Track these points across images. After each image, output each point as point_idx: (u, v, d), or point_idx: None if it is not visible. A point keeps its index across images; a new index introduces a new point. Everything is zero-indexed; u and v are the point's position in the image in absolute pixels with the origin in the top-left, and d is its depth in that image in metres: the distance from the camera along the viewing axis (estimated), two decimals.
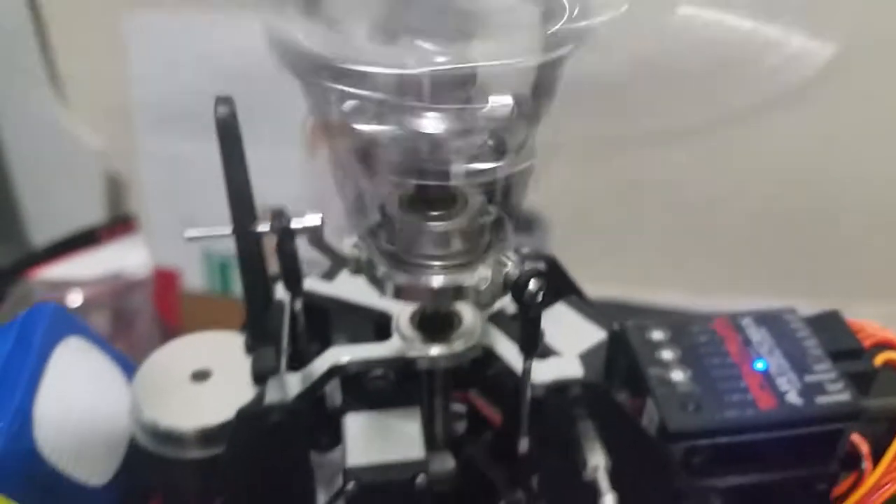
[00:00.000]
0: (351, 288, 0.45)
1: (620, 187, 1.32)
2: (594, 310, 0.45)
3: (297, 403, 0.39)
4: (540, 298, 0.34)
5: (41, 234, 1.37)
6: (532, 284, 0.34)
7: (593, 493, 0.37)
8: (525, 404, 0.39)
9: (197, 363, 0.43)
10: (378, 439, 0.38)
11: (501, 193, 0.36)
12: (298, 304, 0.42)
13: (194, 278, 1.44)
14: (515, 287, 0.34)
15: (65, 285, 1.04)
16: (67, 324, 0.45)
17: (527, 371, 0.38)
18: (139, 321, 1.12)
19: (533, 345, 0.36)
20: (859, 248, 1.26)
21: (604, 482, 0.37)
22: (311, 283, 0.45)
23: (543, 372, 0.39)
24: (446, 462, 0.45)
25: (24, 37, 1.30)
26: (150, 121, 1.39)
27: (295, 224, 0.37)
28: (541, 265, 0.46)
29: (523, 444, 0.40)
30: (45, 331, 0.43)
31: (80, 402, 0.43)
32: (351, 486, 0.36)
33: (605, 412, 0.40)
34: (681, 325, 0.47)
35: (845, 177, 1.25)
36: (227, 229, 0.37)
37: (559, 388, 0.39)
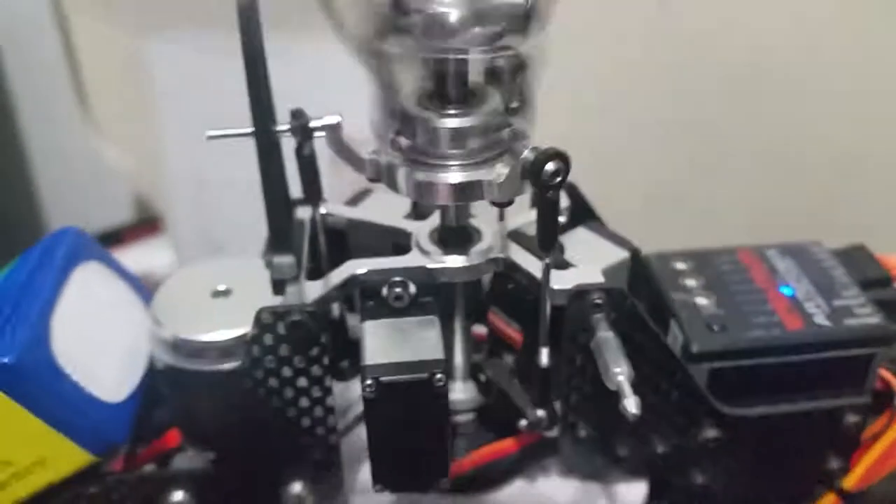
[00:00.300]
0: (372, 211, 0.45)
1: (645, 203, 1.32)
2: (615, 233, 0.45)
3: (316, 306, 0.38)
4: (558, 180, 0.34)
5: None
6: (550, 165, 0.34)
7: (617, 408, 0.36)
8: (545, 308, 0.38)
9: (218, 282, 0.43)
10: (397, 342, 0.38)
11: (517, 88, 0.36)
12: (317, 214, 0.42)
13: None
14: (532, 168, 0.34)
15: None
16: (89, 248, 0.45)
17: (546, 267, 0.37)
18: None
19: (552, 235, 0.36)
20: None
21: (626, 387, 0.36)
22: (332, 208, 0.45)
23: (564, 280, 0.39)
24: (466, 390, 0.45)
25: (52, 59, 1.34)
26: (177, 143, 1.42)
27: (314, 123, 0.38)
28: None
29: (544, 355, 0.39)
30: (67, 251, 0.43)
31: (98, 320, 0.43)
32: (369, 382, 0.36)
33: (627, 323, 0.39)
34: (704, 255, 0.46)
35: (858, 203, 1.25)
36: (247, 129, 0.37)
37: (579, 294, 0.38)
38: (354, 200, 0.47)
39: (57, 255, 0.43)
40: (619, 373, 0.36)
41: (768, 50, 1.19)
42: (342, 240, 0.45)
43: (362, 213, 0.45)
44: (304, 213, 0.44)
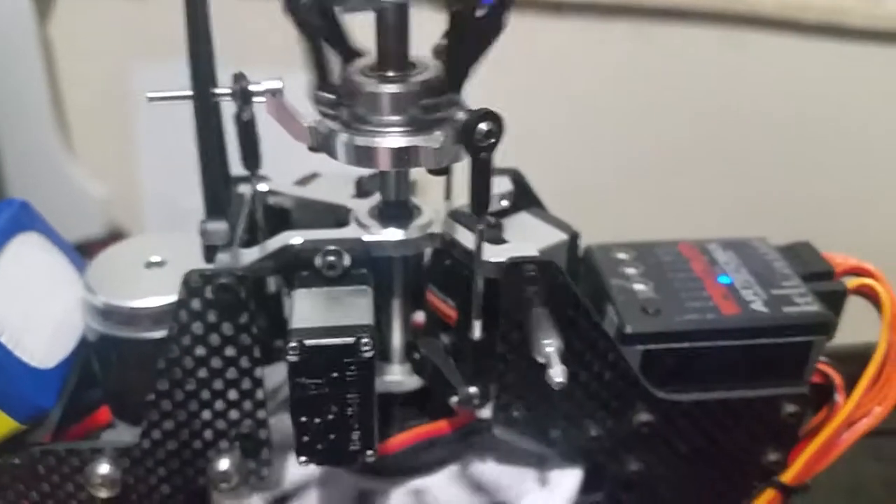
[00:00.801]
0: (316, 190, 0.45)
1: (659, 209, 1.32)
2: (556, 218, 0.45)
3: (246, 271, 0.38)
4: (491, 141, 0.34)
5: None
6: (482, 125, 0.34)
7: (554, 393, 0.36)
8: (479, 278, 0.38)
9: (153, 254, 0.43)
10: (326, 308, 0.37)
11: (450, 55, 0.36)
12: (257, 194, 0.42)
13: None
14: (465, 130, 0.34)
15: None
16: (31, 220, 0.45)
17: (480, 232, 0.37)
18: None
19: (484, 197, 0.36)
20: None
21: (555, 357, 0.35)
22: (276, 185, 0.45)
23: (498, 253, 0.39)
24: (403, 371, 0.44)
25: (33, 84, 1.34)
26: (155, 172, 1.42)
27: (254, 87, 0.38)
28: (504, 178, 0.46)
29: (477, 329, 0.39)
30: (8, 220, 0.43)
31: (33, 290, 0.42)
32: (293, 345, 0.35)
33: (560, 298, 0.39)
34: (646, 246, 0.46)
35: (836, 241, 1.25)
36: (187, 91, 0.37)
37: (513, 266, 0.38)
38: (301, 182, 0.47)
39: None
40: (549, 344, 0.36)
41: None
42: (285, 217, 0.45)
43: (306, 191, 0.45)
44: (244, 188, 0.44)
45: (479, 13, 0.34)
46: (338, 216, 0.43)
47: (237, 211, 0.43)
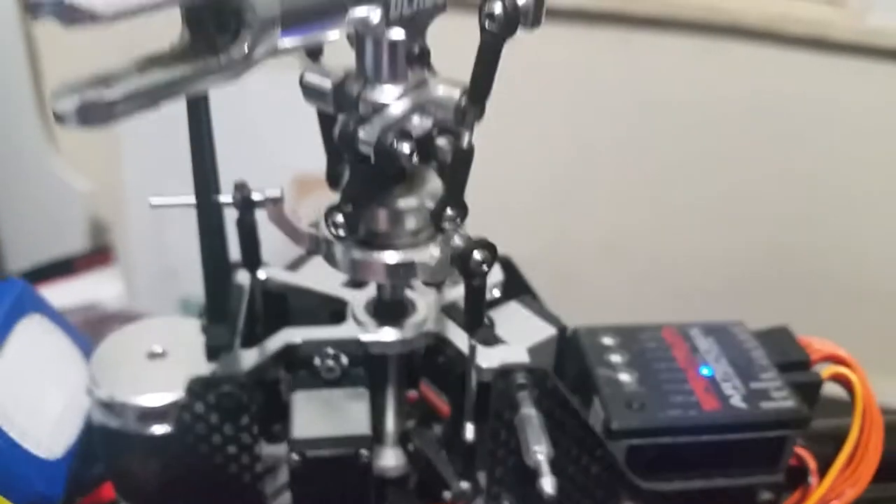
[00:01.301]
0: (311, 277, 0.46)
1: (602, 248, 1.35)
2: (546, 309, 0.46)
3: (248, 377, 0.39)
4: (485, 269, 0.35)
5: (19, 269, 1.38)
6: (477, 254, 0.35)
7: (536, 480, 0.38)
8: (471, 385, 0.40)
9: (154, 344, 0.44)
10: (324, 415, 0.39)
11: (450, 171, 0.37)
12: (256, 283, 0.43)
13: None
14: (461, 257, 0.35)
15: None
16: (33, 301, 0.46)
17: (472, 348, 0.38)
18: None
19: (477, 318, 0.37)
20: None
21: (545, 466, 0.37)
22: (272, 272, 0.46)
23: (491, 357, 0.40)
24: (396, 457, 0.46)
25: (18, 79, 1.34)
26: (138, 167, 1.42)
27: (256, 196, 0.39)
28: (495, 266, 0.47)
29: (469, 430, 0.41)
30: (11, 305, 0.44)
31: (39, 376, 0.44)
32: (295, 457, 0.37)
33: (550, 401, 0.40)
34: (630, 331, 0.48)
35: (819, 248, 1.28)
36: (190, 198, 0.38)
37: (504, 373, 0.40)
38: (295, 265, 0.48)
39: (1, 308, 0.44)
40: (539, 451, 0.38)
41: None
42: (281, 303, 0.46)
43: (301, 279, 0.46)
44: (243, 277, 0.45)
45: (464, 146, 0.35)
46: (334, 306, 0.45)
47: (237, 302, 0.44)
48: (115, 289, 1.11)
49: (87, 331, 1.03)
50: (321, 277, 0.46)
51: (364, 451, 0.37)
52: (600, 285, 1.33)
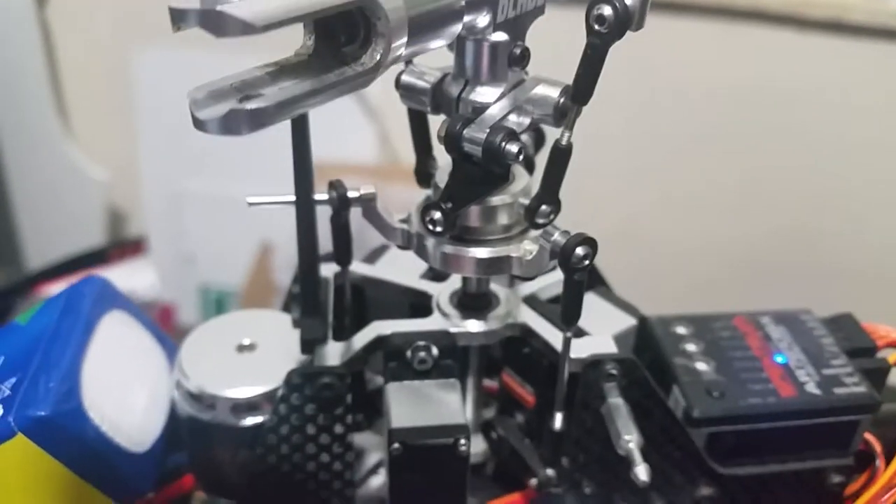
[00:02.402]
0: (391, 270, 0.47)
1: (613, 234, 1.35)
2: (622, 299, 0.47)
3: (344, 369, 0.40)
4: (586, 263, 0.36)
5: (37, 260, 1.38)
6: (579, 249, 0.36)
7: (624, 469, 0.39)
8: (563, 377, 0.40)
9: (242, 336, 0.45)
10: (420, 406, 0.40)
11: (547, 168, 0.38)
12: (345, 277, 0.44)
13: (190, 314, 1.46)
14: (563, 252, 0.36)
15: None
16: (113, 297, 0.46)
17: (567, 340, 0.39)
18: None
19: (575, 312, 0.38)
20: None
21: (637, 454, 0.38)
22: (352, 266, 0.47)
23: (580, 349, 0.41)
24: (477, 444, 0.47)
25: (34, 69, 1.33)
26: (154, 154, 1.42)
27: (351, 194, 0.39)
28: None
29: (558, 420, 0.42)
30: (93, 301, 0.45)
31: (123, 371, 0.44)
32: (396, 446, 0.38)
33: (636, 390, 0.41)
34: (703, 320, 0.49)
35: (836, 233, 1.29)
36: (290, 197, 0.39)
37: (595, 364, 0.40)
38: (372, 257, 0.49)
39: (84, 304, 0.44)
40: (630, 440, 0.39)
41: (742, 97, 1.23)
42: (361, 296, 0.47)
43: (381, 271, 0.47)
44: (327, 269, 0.46)
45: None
46: (414, 298, 0.45)
47: (324, 296, 0.44)
48: (147, 279, 1.11)
49: None
50: (399, 270, 0.47)
51: (462, 440, 0.38)
52: (612, 271, 1.34)
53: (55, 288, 1.04)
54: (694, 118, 1.28)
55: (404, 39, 0.30)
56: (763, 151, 1.28)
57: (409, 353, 0.41)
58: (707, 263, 1.36)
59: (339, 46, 0.30)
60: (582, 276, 0.37)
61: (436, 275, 0.47)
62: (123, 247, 1.17)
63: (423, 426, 0.38)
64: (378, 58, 0.29)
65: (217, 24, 0.24)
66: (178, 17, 0.25)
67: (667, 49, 1.25)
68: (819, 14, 1.19)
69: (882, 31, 1.18)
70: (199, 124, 0.27)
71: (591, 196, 1.36)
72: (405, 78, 0.38)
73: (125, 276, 1.09)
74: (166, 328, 1.21)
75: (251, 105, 0.26)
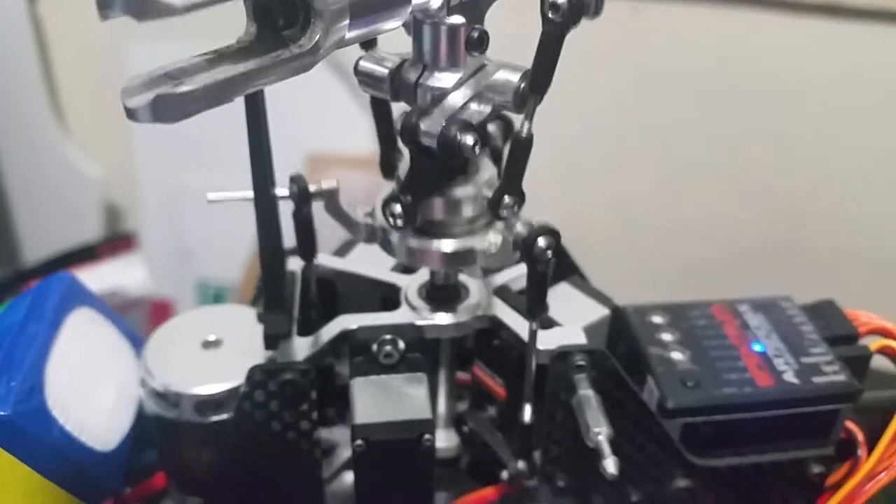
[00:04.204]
0: (360, 263, 0.46)
1: (612, 218, 1.35)
2: (596, 289, 0.46)
3: (307, 364, 0.39)
4: (549, 255, 0.35)
5: (34, 256, 1.38)
6: (541, 241, 0.35)
7: (594, 461, 0.38)
8: (531, 368, 0.40)
9: (207, 332, 0.44)
10: (385, 400, 0.39)
11: (508, 159, 0.37)
12: (310, 270, 0.43)
13: (188, 309, 1.45)
14: (525, 244, 0.35)
15: None
16: (81, 295, 0.46)
17: (533, 332, 0.39)
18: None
19: (540, 304, 0.37)
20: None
21: (606, 447, 0.37)
22: (322, 259, 0.46)
23: (548, 340, 0.40)
24: (449, 438, 0.46)
25: (28, 65, 1.33)
26: (150, 152, 1.42)
27: (312, 188, 0.39)
28: None
29: (527, 412, 0.41)
30: (60, 299, 0.44)
31: (90, 370, 0.44)
32: (359, 442, 0.37)
33: (607, 381, 0.40)
34: (679, 308, 0.48)
35: (834, 217, 1.28)
36: (248, 193, 0.38)
37: (563, 355, 0.40)
38: (343, 250, 0.48)
39: (50, 303, 0.44)
40: (599, 433, 0.38)
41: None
42: (331, 290, 0.46)
43: (351, 264, 0.46)
44: (294, 263, 0.45)
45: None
46: (385, 291, 0.45)
47: (290, 291, 0.44)
48: (138, 274, 1.11)
49: None
50: (370, 263, 0.46)
51: (427, 436, 0.37)
52: (610, 255, 1.33)
53: None
54: (686, 103, 1.27)
55: (346, 21, 0.29)
56: (756, 136, 1.26)
57: (375, 348, 0.40)
58: (700, 247, 1.34)
59: (280, 31, 0.29)
60: (545, 267, 0.36)
61: (406, 267, 0.46)
62: (115, 242, 1.17)
63: (386, 422, 0.38)
64: (316, 39, 0.28)
65: (139, 6, 0.24)
66: (104, 4, 0.25)
67: (659, 34, 1.24)
68: None
69: (881, 14, 1.16)
70: (129, 113, 0.26)
71: (588, 181, 1.36)
72: (363, 64, 0.37)
73: (116, 273, 1.09)
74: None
75: (179, 89, 0.26)
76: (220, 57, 0.29)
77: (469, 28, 0.35)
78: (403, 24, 0.35)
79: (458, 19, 0.34)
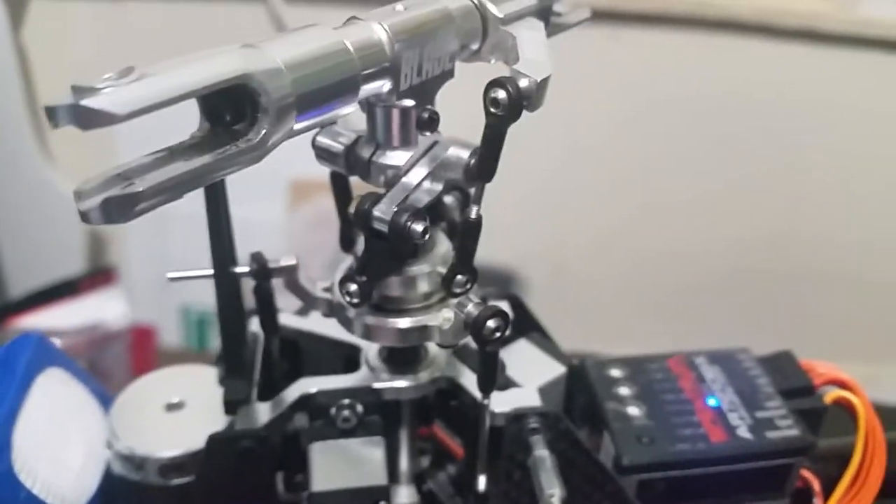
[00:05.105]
0: (322, 323, 0.47)
1: (595, 244, 1.36)
2: (555, 346, 0.47)
3: (266, 431, 0.40)
4: (498, 336, 0.36)
5: (19, 286, 1.38)
6: (491, 322, 0.36)
7: None
8: (483, 439, 0.40)
9: (171, 394, 0.45)
10: (342, 466, 0.40)
11: (459, 240, 0.38)
12: (273, 346, 0.44)
13: (171, 335, 1.46)
14: (475, 325, 0.36)
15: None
16: (50, 355, 0.46)
17: (484, 407, 0.39)
18: (115, 374, 1.12)
19: (490, 382, 0.38)
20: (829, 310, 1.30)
21: None
22: (285, 319, 0.47)
23: (503, 402, 0.41)
24: (410, 495, 0.47)
25: (12, 91, 1.33)
26: None
27: (272, 265, 0.40)
28: (503, 304, 0.48)
29: (481, 483, 0.42)
30: (29, 360, 0.45)
31: (59, 431, 0.44)
32: None
33: (562, 442, 0.41)
34: (638, 362, 0.49)
35: (813, 240, 1.29)
36: (209, 271, 0.39)
37: (517, 417, 0.41)
38: (305, 309, 0.49)
39: (18, 364, 0.44)
40: (553, 495, 0.39)
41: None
42: (295, 349, 0.47)
43: (313, 324, 0.47)
44: (257, 324, 0.46)
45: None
46: (346, 352, 0.46)
47: (252, 353, 0.45)
48: (118, 308, 1.12)
49: (93, 350, 1.04)
50: (332, 323, 0.47)
51: (381, 503, 0.38)
52: (593, 280, 1.34)
53: (25, 321, 1.04)
54: (669, 128, 1.28)
55: (293, 114, 0.30)
56: (739, 160, 1.28)
57: (333, 412, 0.41)
58: (688, 271, 1.35)
59: (230, 125, 0.30)
60: (495, 347, 0.37)
61: None
62: (95, 276, 1.17)
63: (342, 489, 0.38)
64: (263, 133, 0.29)
65: (84, 118, 0.25)
66: (52, 116, 0.26)
67: (641, 60, 1.25)
68: (792, 23, 1.19)
69: (854, 39, 1.18)
70: (83, 216, 0.27)
71: (571, 207, 1.37)
72: (319, 139, 0.38)
73: (95, 307, 1.10)
74: (146, 352, 1.21)
75: (131, 189, 0.27)
76: (172, 154, 0.29)
77: (420, 109, 0.36)
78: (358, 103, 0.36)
79: (408, 102, 0.35)
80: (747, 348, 0.51)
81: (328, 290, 0.40)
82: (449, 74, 0.37)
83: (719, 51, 1.22)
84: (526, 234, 1.28)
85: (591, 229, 1.35)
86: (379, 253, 0.36)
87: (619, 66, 1.26)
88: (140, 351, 1.19)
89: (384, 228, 0.34)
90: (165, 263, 1.34)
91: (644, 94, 1.27)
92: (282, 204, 1.31)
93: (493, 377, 0.38)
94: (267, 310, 0.41)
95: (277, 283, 0.41)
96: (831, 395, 0.48)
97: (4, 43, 1.32)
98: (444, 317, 0.38)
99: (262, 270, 0.39)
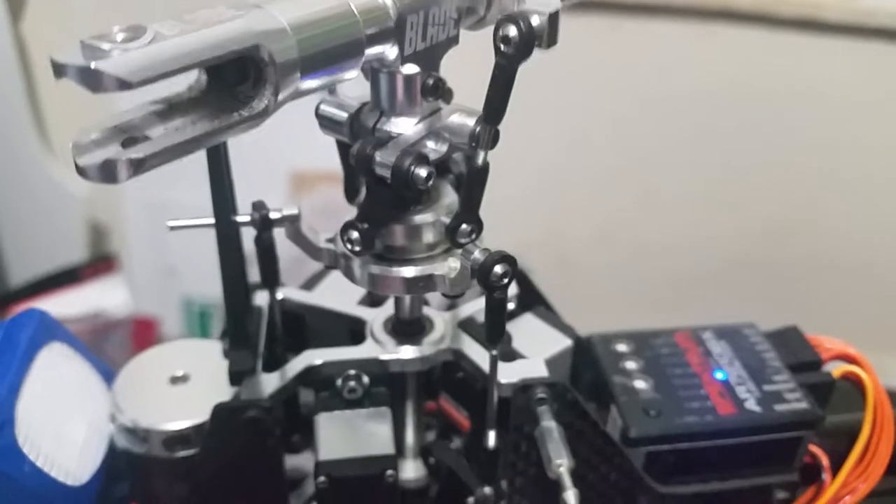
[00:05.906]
0: (327, 296, 0.47)
1: (596, 234, 1.35)
2: (560, 320, 0.47)
3: (271, 401, 0.40)
4: (505, 282, 0.36)
5: (20, 275, 1.38)
6: (498, 268, 0.36)
7: (559, 491, 0.39)
8: (493, 394, 0.40)
9: (175, 368, 0.44)
10: (349, 436, 0.40)
11: (465, 187, 0.38)
12: (275, 304, 0.43)
13: (173, 327, 1.45)
14: (481, 271, 0.36)
15: None
16: (52, 330, 0.46)
17: (493, 358, 0.39)
18: (117, 362, 1.12)
19: (499, 330, 0.38)
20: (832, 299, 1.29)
21: (566, 479, 0.38)
22: (290, 293, 0.47)
23: (510, 373, 0.41)
24: (417, 468, 0.47)
25: (12, 83, 1.33)
26: None
27: (273, 214, 0.39)
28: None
29: (491, 438, 0.41)
30: (31, 335, 0.44)
31: (61, 405, 0.44)
32: (322, 479, 0.38)
33: (569, 413, 0.41)
34: (644, 337, 0.49)
35: (814, 229, 1.29)
36: (209, 219, 0.39)
37: (524, 388, 0.40)
38: (310, 283, 0.48)
39: (21, 338, 0.44)
40: (560, 464, 0.39)
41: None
42: (300, 323, 0.47)
43: (318, 298, 0.47)
44: (261, 298, 0.46)
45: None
46: (352, 325, 0.45)
47: (256, 325, 0.44)
48: (119, 296, 1.11)
49: (94, 338, 1.03)
50: (337, 296, 0.47)
51: (389, 471, 0.38)
52: (595, 270, 1.34)
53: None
54: (670, 118, 1.28)
55: (297, 76, 0.29)
56: (739, 149, 1.27)
57: (339, 383, 0.41)
58: (690, 261, 1.35)
59: (232, 87, 0.29)
60: (502, 294, 0.36)
61: (373, 300, 0.47)
62: (97, 265, 1.17)
63: (349, 458, 0.38)
64: (269, 98, 0.29)
65: (93, 80, 0.24)
66: (59, 71, 0.25)
67: (640, 51, 1.25)
68: (791, 12, 1.19)
69: (854, 29, 1.17)
70: (80, 171, 0.27)
71: (573, 197, 1.37)
72: (323, 108, 0.38)
73: (97, 295, 1.09)
74: (147, 343, 1.21)
75: (130, 154, 0.26)
76: (171, 108, 0.29)
77: (424, 76, 0.35)
78: (361, 70, 0.35)
79: (413, 68, 0.35)
80: (753, 323, 0.50)
81: (331, 240, 0.39)
82: (454, 41, 0.36)
83: (719, 41, 1.22)
84: (528, 225, 1.28)
85: (592, 219, 1.35)
86: (381, 199, 0.36)
87: (619, 57, 1.25)
88: (142, 342, 1.19)
89: (386, 173, 0.34)
90: (166, 255, 1.35)
91: (645, 84, 1.26)
92: (283, 195, 1.31)
93: (501, 326, 0.38)
94: (268, 262, 0.40)
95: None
96: (839, 369, 0.48)
97: (4, 34, 1.31)
98: (449, 265, 0.38)
99: (264, 220, 0.39)
